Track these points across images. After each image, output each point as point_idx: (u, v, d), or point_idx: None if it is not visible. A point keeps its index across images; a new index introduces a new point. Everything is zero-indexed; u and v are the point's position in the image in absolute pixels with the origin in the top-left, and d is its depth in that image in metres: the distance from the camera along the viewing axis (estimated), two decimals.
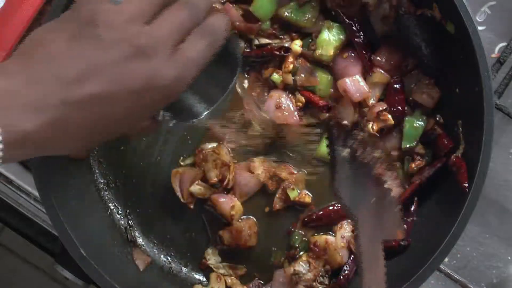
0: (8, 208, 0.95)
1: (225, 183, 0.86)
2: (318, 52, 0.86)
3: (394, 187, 0.75)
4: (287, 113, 0.87)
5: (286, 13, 0.86)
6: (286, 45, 0.87)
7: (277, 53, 0.85)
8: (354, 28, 0.85)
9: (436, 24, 0.80)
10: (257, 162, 0.87)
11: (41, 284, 1.72)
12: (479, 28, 0.80)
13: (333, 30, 0.86)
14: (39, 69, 0.50)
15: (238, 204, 0.87)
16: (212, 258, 0.88)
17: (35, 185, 0.78)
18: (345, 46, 0.87)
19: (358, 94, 0.85)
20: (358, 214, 0.72)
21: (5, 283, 1.74)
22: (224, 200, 0.87)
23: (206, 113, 0.65)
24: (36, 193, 0.89)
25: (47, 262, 0.96)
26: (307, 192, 0.88)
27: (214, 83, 0.65)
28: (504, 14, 0.94)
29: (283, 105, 0.87)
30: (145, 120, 0.60)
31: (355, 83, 0.85)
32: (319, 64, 0.87)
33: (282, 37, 0.88)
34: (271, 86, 0.88)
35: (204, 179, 0.87)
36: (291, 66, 0.86)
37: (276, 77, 0.87)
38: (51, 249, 0.94)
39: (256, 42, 0.88)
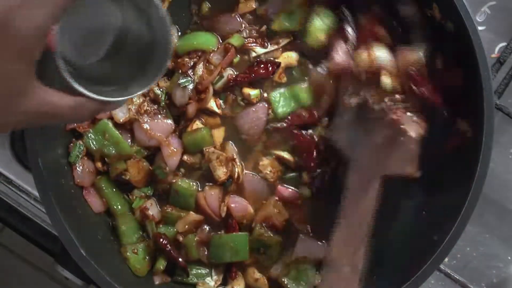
0: (8, 208, 0.95)
1: (235, 177, 0.86)
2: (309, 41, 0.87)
3: (412, 128, 0.73)
4: None
5: (279, 26, 0.88)
6: (277, 60, 0.88)
7: (270, 71, 0.86)
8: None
9: (436, 24, 0.80)
10: (266, 162, 0.87)
11: (41, 284, 1.72)
12: (479, 28, 0.80)
13: (322, 15, 0.86)
14: None
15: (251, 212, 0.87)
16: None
17: (35, 185, 0.78)
18: None
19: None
20: (354, 155, 0.71)
21: (5, 283, 1.74)
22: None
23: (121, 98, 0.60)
24: (36, 193, 0.89)
25: (47, 262, 0.96)
26: None
27: (141, 69, 0.62)
28: (504, 14, 0.94)
29: None
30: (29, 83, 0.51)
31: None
32: None
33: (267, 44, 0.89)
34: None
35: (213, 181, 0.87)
36: (283, 77, 0.88)
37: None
38: (51, 249, 0.94)
39: (254, 54, 0.88)
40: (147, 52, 0.62)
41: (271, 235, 0.86)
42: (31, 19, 0.48)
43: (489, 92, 0.75)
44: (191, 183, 0.87)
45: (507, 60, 0.90)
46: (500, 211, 0.93)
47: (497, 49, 0.94)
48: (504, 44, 0.93)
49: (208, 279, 0.87)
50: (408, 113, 0.74)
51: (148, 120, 0.86)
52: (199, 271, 0.88)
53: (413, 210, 0.86)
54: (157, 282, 0.87)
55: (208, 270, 0.88)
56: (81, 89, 0.55)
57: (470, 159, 0.76)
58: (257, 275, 0.87)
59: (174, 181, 0.86)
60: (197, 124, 0.88)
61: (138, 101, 0.87)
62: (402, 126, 0.73)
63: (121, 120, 0.86)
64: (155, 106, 0.88)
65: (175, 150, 0.86)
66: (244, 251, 0.86)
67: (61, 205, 0.79)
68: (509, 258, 0.93)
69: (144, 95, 0.87)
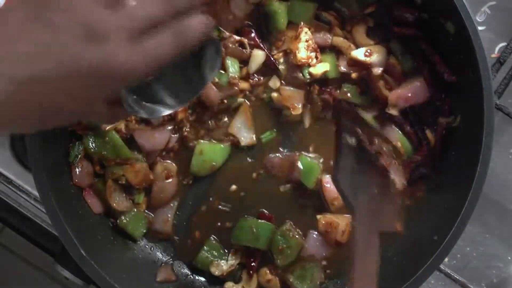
0: (8, 208, 0.95)
1: None
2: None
3: (397, 179, 0.75)
4: None
5: None
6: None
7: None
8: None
9: (436, 24, 0.81)
10: None
11: (41, 284, 1.72)
12: (479, 28, 0.80)
13: None
14: None
15: None
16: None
17: (35, 185, 0.78)
18: None
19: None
20: (357, 204, 0.72)
21: (5, 283, 1.74)
22: None
23: (174, 110, 0.65)
24: (36, 193, 0.89)
25: (47, 262, 0.96)
26: None
27: (188, 82, 0.64)
28: (504, 14, 0.94)
29: None
30: (100, 105, 0.58)
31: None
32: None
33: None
34: None
35: None
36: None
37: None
38: (51, 249, 0.94)
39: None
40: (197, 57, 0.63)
41: (297, 236, 0.87)
42: (144, 73, 0.55)
43: (489, 92, 0.75)
44: None
45: (507, 60, 0.90)
46: (500, 211, 0.93)
47: (497, 49, 0.94)
48: (504, 44, 0.93)
49: (223, 262, 0.88)
50: (394, 161, 0.76)
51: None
52: (215, 252, 0.88)
53: (413, 210, 0.86)
54: (159, 279, 0.87)
55: (226, 252, 0.89)
56: (134, 112, 0.62)
57: (470, 159, 0.76)
58: (269, 276, 0.87)
59: None
60: None
61: None
62: (390, 175, 0.74)
63: (106, 129, 0.85)
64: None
65: None
66: (264, 240, 0.86)
67: (61, 205, 0.79)
68: (509, 258, 0.93)
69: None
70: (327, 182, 0.86)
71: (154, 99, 0.63)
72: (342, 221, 0.85)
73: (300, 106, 0.87)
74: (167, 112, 0.64)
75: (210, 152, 0.88)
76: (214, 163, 0.88)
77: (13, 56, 0.51)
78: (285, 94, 0.87)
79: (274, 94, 0.88)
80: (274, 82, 0.88)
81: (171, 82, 0.62)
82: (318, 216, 0.87)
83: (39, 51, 0.51)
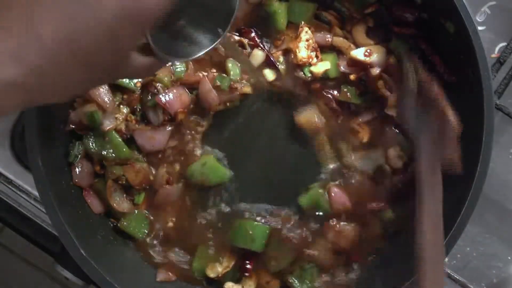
0: (8, 208, 0.95)
1: None
2: None
3: (453, 119, 0.76)
4: None
5: None
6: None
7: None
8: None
9: (436, 24, 0.81)
10: None
11: (41, 284, 1.72)
12: (479, 28, 0.80)
13: None
14: (12, 19, 0.50)
15: None
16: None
17: (35, 185, 0.78)
18: None
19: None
20: (421, 138, 0.75)
21: (5, 283, 1.74)
22: None
23: (207, 50, 0.63)
24: (36, 193, 0.89)
25: (47, 262, 0.96)
26: None
27: (213, 21, 0.63)
28: (504, 14, 0.94)
29: None
30: (133, 57, 0.58)
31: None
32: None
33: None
34: None
35: None
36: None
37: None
38: (51, 249, 0.94)
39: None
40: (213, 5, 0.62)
41: (293, 240, 0.87)
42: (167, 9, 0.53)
43: (489, 92, 0.75)
44: None
45: (507, 60, 0.90)
46: (500, 211, 0.93)
47: (497, 49, 0.94)
48: (504, 44, 0.93)
49: (217, 264, 0.88)
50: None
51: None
52: (210, 253, 0.88)
53: (413, 210, 0.86)
54: (158, 279, 0.87)
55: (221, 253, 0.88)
56: (166, 57, 0.59)
57: (470, 159, 0.76)
58: (268, 277, 0.87)
59: None
60: None
61: (124, 110, 0.87)
62: (447, 116, 0.76)
63: (106, 129, 0.85)
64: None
65: None
66: (261, 242, 0.86)
67: (61, 205, 0.79)
68: (509, 258, 0.93)
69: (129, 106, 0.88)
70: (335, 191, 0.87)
71: (182, 39, 0.62)
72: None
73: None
74: (199, 52, 0.62)
75: (212, 169, 0.88)
76: (208, 181, 0.88)
77: (44, 15, 0.50)
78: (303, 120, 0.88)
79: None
80: (269, 74, 0.88)
81: (194, 18, 0.60)
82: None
83: (68, 8, 0.50)
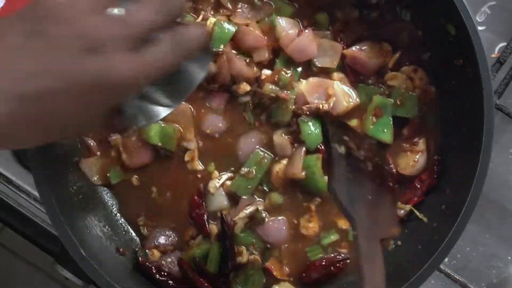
0: (8, 208, 0.95)
1: None
2: None
3: (389, 183, 0.75)
4: None
5: None
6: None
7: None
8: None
9: (437, 26, 0.81)
10: None
11: (41, 284, 1.72)
12: (479, 28, 0.80)
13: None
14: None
15: None
16: None
17: (35, 185, 0.78)
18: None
19: None
20: (355, 213, 0.72)
21: (5, 283, 1.74)
22: None
23: (169, 110, 0.64)
24: (36, 193, 0.89)
25: (47, 262, 0.96)
26: None
27: (179, 82, 0.64)
28: (504, 14, 0.94)
29: None
30: (101, 118, 0.57)
31: None
32: None
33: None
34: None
35: None
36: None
37: None
38: (51, 249, 0.94)
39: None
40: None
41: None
42: (146, 83, 0.56)
43: (489, 92, 0.75)
44: None
45: (507, 60, 0.90)
46: (500, 211, 0.93)
47: (497, 49, 0.94)
48: (504, 44, 0.93)
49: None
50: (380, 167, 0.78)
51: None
52: None
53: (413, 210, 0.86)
54: None
55: None
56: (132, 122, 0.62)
57: (470, 159, 0.76)
58: None
59: None
60: None
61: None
62: (379, 180, 0.76)
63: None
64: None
65: None
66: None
67: (61, 205, 0.79)
68: (509, 258, 0.93)
69: None
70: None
71: (149, 101, 0.63)
72: None
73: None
74: (163, 114, 0.64)
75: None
76: None
77: (13, 73, 0.50)
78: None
79: None
80: (244, 87, 0.86)
81: (163, 84, 0.61)
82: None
83: (39, 67, 0.51)
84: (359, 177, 0.76)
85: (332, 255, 0.86)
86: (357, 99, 0.85)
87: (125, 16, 0.54)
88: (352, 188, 0.75)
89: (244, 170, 0.85)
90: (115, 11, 0.54)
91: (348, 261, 0.85)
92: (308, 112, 0.84)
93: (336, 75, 0.86)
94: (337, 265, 0.85)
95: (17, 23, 0.53)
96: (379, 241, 0.70)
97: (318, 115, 0.85)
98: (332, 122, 0.82)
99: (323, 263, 0.85)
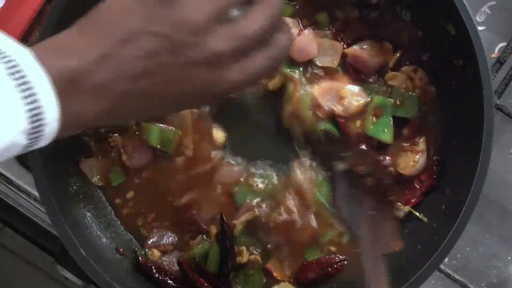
0: (8, 208, 0.95)
1: None
2: None
3: (389, 197, 0.75)
4: None
5: None
6: None
7: None
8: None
9: (437, 26, 0.81)
10: None
11: (41, 284, 1.72)
12: (479, 28, 0.80)
13: None
14: (109, 53, 0.50)
15: None
16: None
17: (35, 185, 0.78)
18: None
19: None
20: (359, 230, 0.72)
21: (5, 283, 1.74)
22: None
23: None
24: (36, 193, 0.89)
25: (47, 262, 0.96)
26: None
27: None
28: (504, 14, 0.94)
29: None
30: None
31: None
32: None
33: None
34: None
35: None
36: None
37: None
38: (51, 249, 0.94)
39: None
40: None
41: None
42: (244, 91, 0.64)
43: (489, 92, 0.75)
44: None
45: (507, 60, 0.90)
46: (500, 211, 0.93)
47: (497, 49, 0.94)
48: (504, 44, 0.93)
49: None
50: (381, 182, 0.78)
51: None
52: None
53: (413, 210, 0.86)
54: None
55: None
56: None
57: (470, 159, 0.76)
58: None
59: None
60: None
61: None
62: (381, 196, 0.76)
63: None
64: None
65: None
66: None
67: (61, 205, 0.79)
68: (509, 258, 0.93)
69: None
70: None
71: None
72: None
73: None
74: None
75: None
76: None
77: (129, 71, 0.51)
78: None
79: None
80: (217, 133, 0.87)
81: None
82: None
83: (156, 68, 0.51)
84: (360, 193, 0.77)
85: (330, 256, 0.86)
86: (367, 98, 0.85)
87: (242, 26, 0.53)
88: (354, 205, 0.75)
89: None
90: (235, 12, 0.54)
91: (345, 262, 0.85)
92: (324, 116, 0.85)
93: (341, 75, 0.87)
94: (335, 266, 0.85)
95: (138, 10, 0.52)
96: (382, 257, 0.71)
97: (334, 119, 0.85)
98: (331, 141, 0.82)
99: (320, 263, 0.85)
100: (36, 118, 0.47)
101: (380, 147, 0.85)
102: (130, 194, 0.88)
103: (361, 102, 0.85)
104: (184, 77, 0.52)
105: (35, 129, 0.47)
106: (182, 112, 0.85)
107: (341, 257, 0.85)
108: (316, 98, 0.84)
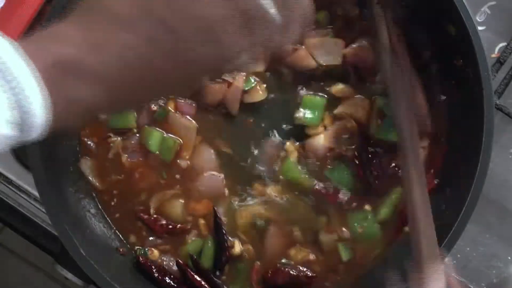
0: (8, 208, 0.95)
1: None
2: None
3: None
4: None
5: None
6: None
7: None
8: None
9: (436, 26, 0.81)
10: None
11: (41, 284, 1.72)
12: (479, 28, 0.80)
13: None
14: (99, 36, 0.49)
15: None
16: None
17: (35, 185, 0.78)
18: None
19: None
20: (396, 90, 0.77)
21: (5, 283, 1.74)
22: None
23: None
24: (36, 193, 0.89)
25: (47, 262, 0.96)
26: None
27: None
28: (504, 14, 0.94)
29: None
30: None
31: None
32: None
33: None
34: None
35: None
36: None
37: None
38: (51, 249, 0.94)
39: None
40: None
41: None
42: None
43: (489, 92, 0.75)
44: None
45: (507, 60, 0.90)
46: (500, 211, 0.93)
47: (497, 49, 0.94)
48: (504, 44, 0.93)
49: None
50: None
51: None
52: None
53: None
54: None
55: None
56: None
57: (470, 159, 0.76)
58: None
59: None
60: None
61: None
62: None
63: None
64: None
65: None
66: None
67: (61, 205, 0.79)
68: (509, 258, 0.93)
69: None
70: None
71: None
72: None
73: None
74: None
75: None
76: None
77: (124, 45, 0.49)
78: None
79: None
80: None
81: None
82: None
83: (151, 53, 0.50)
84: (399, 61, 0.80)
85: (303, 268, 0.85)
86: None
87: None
88: (394, 68, 0.79)
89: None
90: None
91: (314, 280, 0.84)
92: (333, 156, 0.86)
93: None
94: (304, 280, 0.84)
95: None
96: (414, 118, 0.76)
97: (344, 160, 0.86)
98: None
99: (291, 272, 0.84)
100: (18, 106, 0.44)
101: (391, 149, 0.85)
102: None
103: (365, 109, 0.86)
104: (183, 54, 0.50)
105: (21, 118, 0.45)
106: (189, 124, 0.86)
107: (312, 273, 0.84)
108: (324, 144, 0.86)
